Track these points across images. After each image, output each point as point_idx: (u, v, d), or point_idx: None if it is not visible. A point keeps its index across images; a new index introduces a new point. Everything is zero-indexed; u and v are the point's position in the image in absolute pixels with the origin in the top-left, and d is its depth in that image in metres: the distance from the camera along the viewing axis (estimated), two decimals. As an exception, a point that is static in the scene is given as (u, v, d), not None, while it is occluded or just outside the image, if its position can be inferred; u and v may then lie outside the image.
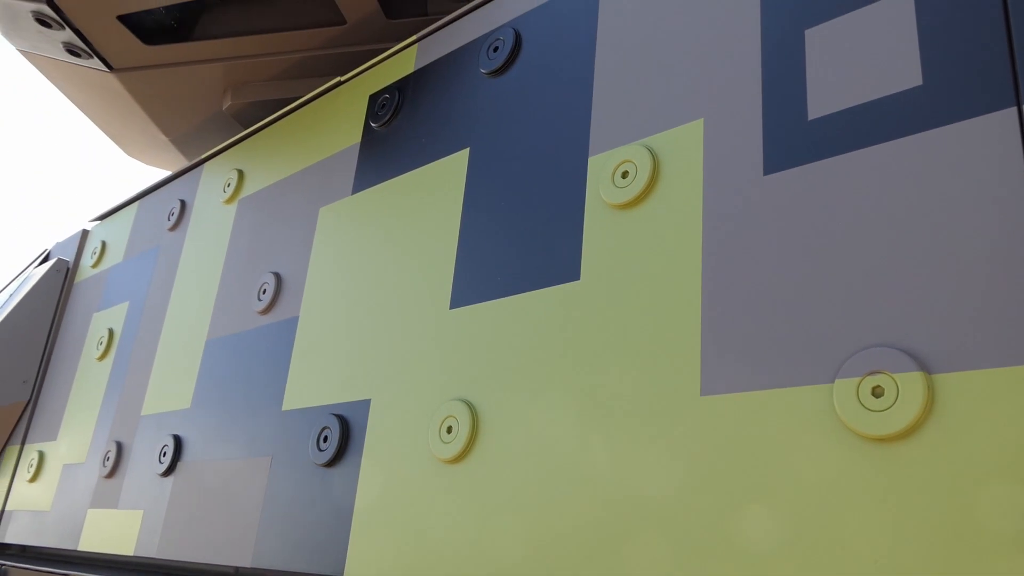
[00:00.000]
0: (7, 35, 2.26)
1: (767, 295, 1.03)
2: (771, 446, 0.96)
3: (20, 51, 2.36)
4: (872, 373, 0.89)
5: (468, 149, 1.58)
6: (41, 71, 2.51)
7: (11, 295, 3.07)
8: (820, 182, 1.03)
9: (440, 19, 2.13)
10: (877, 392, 0.88)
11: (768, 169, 1.09)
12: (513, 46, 1.57)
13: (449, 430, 1.34)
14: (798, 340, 0.98)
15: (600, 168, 1.31)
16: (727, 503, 0.97)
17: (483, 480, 1.26)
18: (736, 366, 1.02)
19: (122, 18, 2.07)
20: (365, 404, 1.54)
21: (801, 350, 0.97)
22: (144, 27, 2.18)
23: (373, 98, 1.90)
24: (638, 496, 1.06)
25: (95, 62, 2.26)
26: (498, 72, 1.60)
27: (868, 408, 0.89)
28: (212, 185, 2.37)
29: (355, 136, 1.90)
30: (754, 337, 1.02)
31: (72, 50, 2.23)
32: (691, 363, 1.07)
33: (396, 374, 1.51)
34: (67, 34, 2.12)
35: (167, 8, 2.12)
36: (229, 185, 2.26)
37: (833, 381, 0.93)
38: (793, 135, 1.08)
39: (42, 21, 2.08)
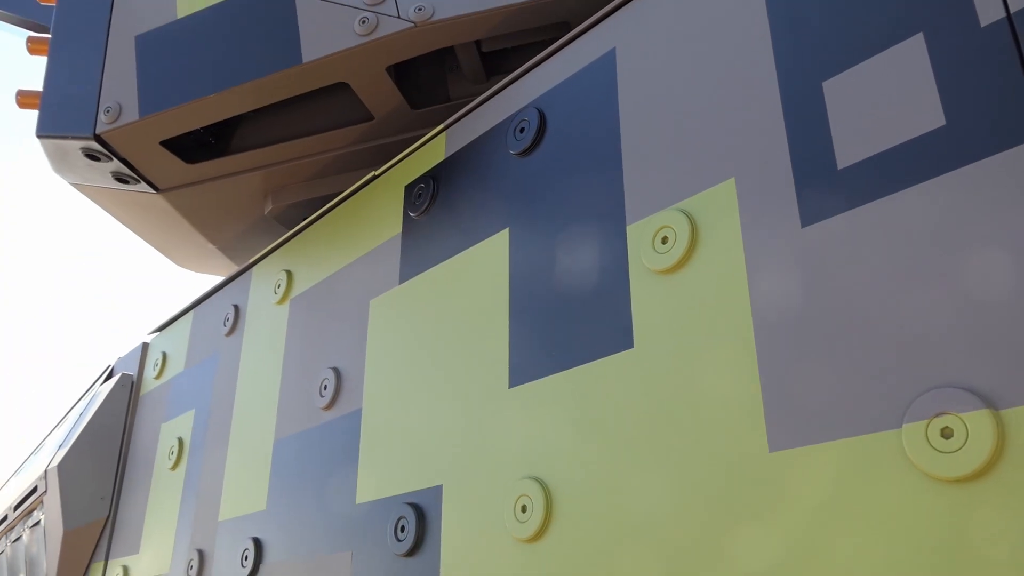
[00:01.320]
0: (59, 171, 2.39)
1: (822, 346, 1.04)
2: (846, 496, 0.96)
3: (71, 184, 2.49)
4: (939, 415, 0.90)
5: (507, 229, 1.63)
6: (91, 199, 2.63)
7: (81, 414, 3.17)
8: (859, 229, 1.05)
9: (463, 103, 2.21)
10: (946, 433, 0.89)
11: (805, 221, 1.12)
12: (538, 126, 1.63)
13: (524, 509, 1.36)
14: (860, 387, 0.99)
15: (639, 236, 1.35)
16: (810, 557, 0.97)
17: (563, 556, 1.27)
18: (801, 420, 1.03)
19: (164, 142, 2.18)
20: (437, 490, 1.57)
21: (865, 397, 0.98)
22: (184, 147, 2.29)
23: (409, 188, 1.97)
24: (717, 557, 1.06)
25: (142, 186, 2.38)
26: (527, 152, 1.65)
27: (939, 450, 0.89)
28: (263, 288, 2.45)
29: (395, 227, 1.97)
30: (815, 389, 1.03)
31: (120, 178, 2.35)
32: (755, 421, 1.08)
33: (463, 457, 1.54)
34: (114, 164, 2.24)
35: (204, 127, 2.23)
36: (279, 286, 2.34)
37: (901, 426, 0.93)
38: (825, 186, 1.11)
39: (91, 155, 2.20)
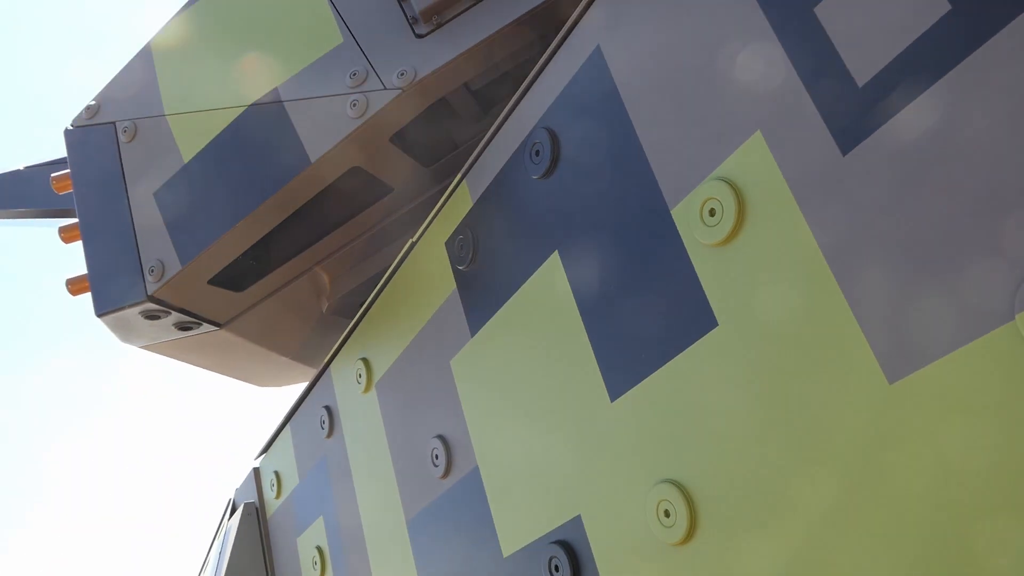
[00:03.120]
0: (126, 340, 2.48)
1: (905, 266, 1.02)
2: (981, 402, 0.93)
3: (141, 348, 2.58)
4: (1050, 294, 0.87)
5: (556, 252, 1.63)
6: (162, 354, 2.72)
7: (219, 553, 3.26)
8: (902, 138, 1.03)
9: (471, 144, 2.23)
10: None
11: (845, 148, 1.09)
12: (552, 144, 1.63)
13: (667, 513, 1.35)
14: (958, 294, 0.96)
15: (685, 216, 1.34)
16: (974, 473, 0.94)
17: (718, 550, 1.25)
18: (910, 344, 1.01)
19: (212, 280, 2.25)
20: (577, 521, 1.57)
21: (966, 301, 0.95)
22: (231, 277, 2.35)
23: (449, 244, 1.99)
24: (878, 512, 1.04)
25: (204, 327, 2.45)
26: (549, 172, 1.65)
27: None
28: (346, 382, 2.49)
29: (449, 284, 1.99)
30: (913, 311, 1.01)
31: (183, 326, 2.42)
32: (866, 360, 1.05)
33: (589, 481, 1.54)
34: (174, 316, 2.31)
35: (243, 254, 2.29)
36: (360, 376, 2.38)
37: (1014, 317, 0.90)
38: (853, 108, 1.09)
39: (151, 316, 2.28)
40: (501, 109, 1.81)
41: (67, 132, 2.40)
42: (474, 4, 1.90)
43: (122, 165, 2.26)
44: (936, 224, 0.99)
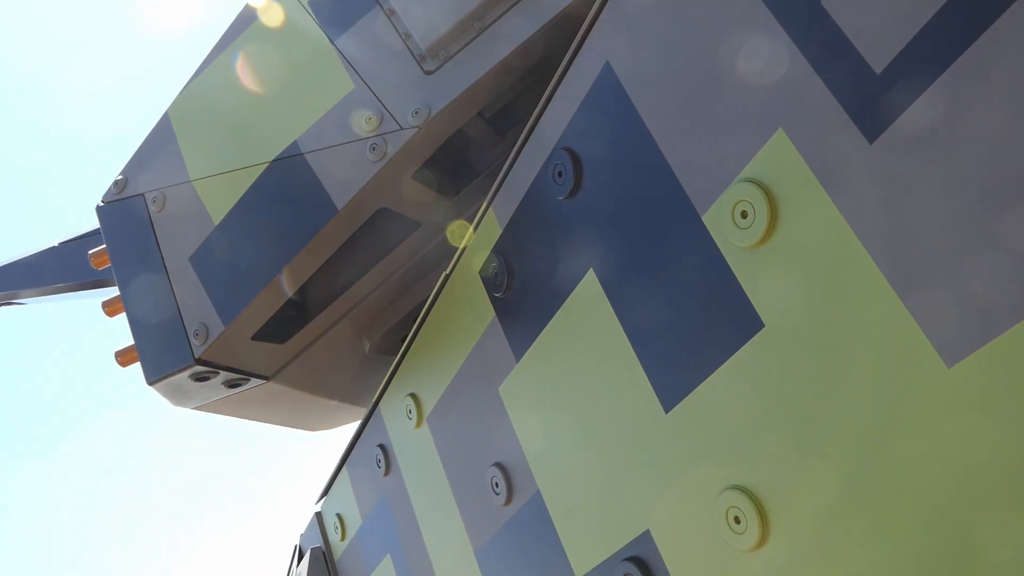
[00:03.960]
0: (178, 404, 2.52)
1: (949, 247, 1.01)
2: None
3: (193, 409, 2.62)
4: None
5: (591, 269, 1.63)
6: (214, 412, 2.76)
7: (293, 601, 3.28)
8: (930, 119, 1.02)
9: (494, 169, 2.24)
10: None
11: (871, 136, 1.09)
12: (573, 164, 1.64)
13: (737, 520, 1.34)
14: (1007, 270, 0.95)
15: (717, 221, 1.33)
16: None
17: (794, 552, 1.24)
18: (964, 326, 1.00)
19: (255, 336, 2.28)
20: (646, 535, 1.56)
21: (1018, 276, 0.94)
22: (273, 330, 2.39)
23: (483, 274, 2.00)
24: (956, 499, 1.02)
25: (252, 382, 2.48)
26: (574, 191, 1.66)
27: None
28: (397, 419, 2.51)
29: (488, 313, 2.00)
30: (963, 291, 1.00)
31: (231, 384, 2.46)
32: (921, 346, 1.04)
33: (654, 494, 1.53)
34: (222, 375, 2.35)
35: (283, 306, 2.32)
36: (411, 412, 2.39)
37: None
38: (874, 95, 1.08)
39: (200, 378, 2.31)
40: (517, 133, 1.83)
41: (99, 209, 2.46)
42: (478, 35, 1.92)
43: (156, 235, 2.30)
44: (976, 202, 0.98)
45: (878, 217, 1.08)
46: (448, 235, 2.35)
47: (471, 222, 2.04)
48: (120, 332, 2.60)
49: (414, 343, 2.37)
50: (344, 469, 2.98)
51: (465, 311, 2.10)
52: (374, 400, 2.64)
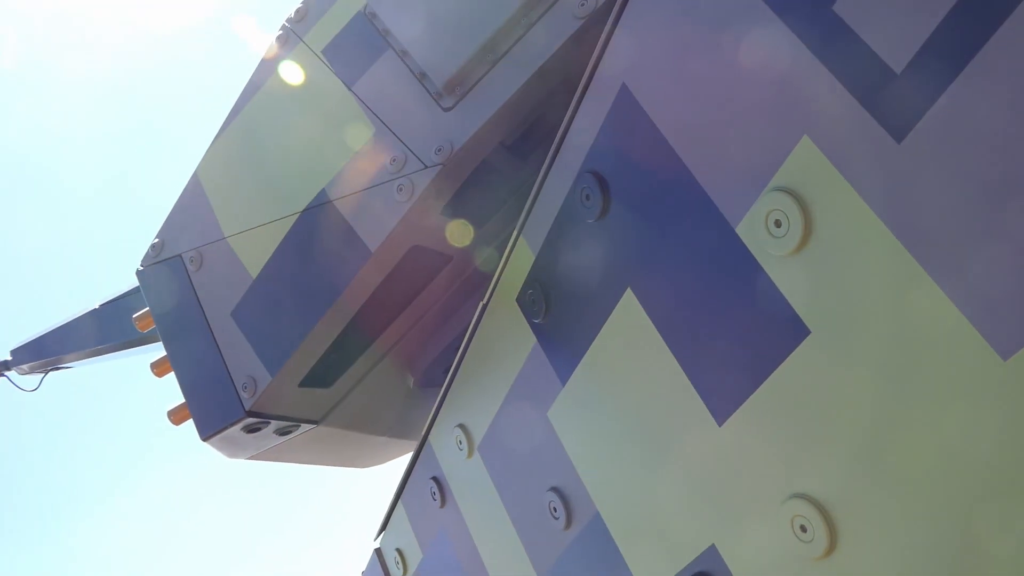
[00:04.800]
0: (233, 456, 2.56)
1: (990, 237, 1.00)
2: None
3: (247, 459, 2.66)
4: None
5: (628, 288, 1.64)
6: (268, 460, 2.80)
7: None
8: (957, 113, 1.02)
9: (520, 195, 2.26)
10: None
11: (898, 136, 1.09)
12: (600, 186, 1.65)
13: (803, 529, 1.33)
14: (1055, 258, 0.94)
15: (751, 232, 1.34)
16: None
17: (870, 556, 1.23)
18: (1017, 317, 0.99)
19: (302, 383, 2.31)
20: (712, 550, 1.56)
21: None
22: (318, 375, 2.42)
23: (520, 301, 2.01)
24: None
25: (303, 427, 2.52)
26: (603, 213, 1.67)
27: None
28: (448, 450, 2.52)
29: (529, 339, 2.01)
30: (1011, 281, 0.99)
31: (282, 431, 2.49)
32: (974, 341, 1.04)
33: (716, 508, 1.52)
34: (273, 424, 2.39)
35: (326, 351, 2.35)
36: (461, 442, 2.40)
37: None
38: (897, 94, 1.08)
39: (252, 429, 2.35)
40: (539, 155, 1.84)
41: (139, 273, 2.51)
42: (492, 67, 1.94)
43: (196, 293, 2.35)
44: (1020, 192, 0.97)
45: (916, 215, 1.08)
46: (481, 264, 2.37)
47: (502, 250, 2.05)
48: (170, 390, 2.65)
49: (458, 374, 2.39)
50: (400, 503, 2.99)
51: (506, 339, 2.11)
52: (423, 433, 2.66)
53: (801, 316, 1.28)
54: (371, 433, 2.89)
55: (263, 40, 2.43)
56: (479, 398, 2.29)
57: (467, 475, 2.43)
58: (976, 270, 1.02)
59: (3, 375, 4.26)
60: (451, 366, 2.40)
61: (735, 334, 1.41)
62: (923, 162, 1.06)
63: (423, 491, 2.76)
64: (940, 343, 1.08)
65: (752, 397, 1.40)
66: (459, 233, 2.21)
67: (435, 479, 2.63)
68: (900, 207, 1.10)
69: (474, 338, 2.26)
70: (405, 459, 2.88)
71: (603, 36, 1.60)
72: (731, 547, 1.51)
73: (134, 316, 2.75)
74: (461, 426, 2.40)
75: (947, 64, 1.02)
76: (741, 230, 1.36)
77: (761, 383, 1.37)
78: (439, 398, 2.49)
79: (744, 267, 1.36)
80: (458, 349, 2.42)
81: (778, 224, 1.27)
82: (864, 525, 1.23)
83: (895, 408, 1.15)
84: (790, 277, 1.28)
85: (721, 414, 1.47)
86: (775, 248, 1.29)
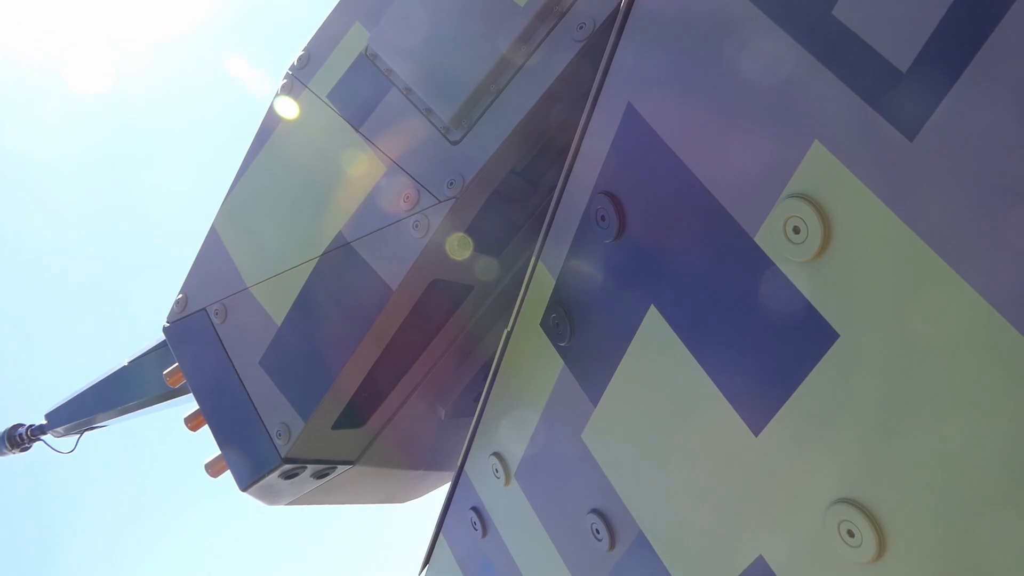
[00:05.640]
0: (272, 503, 2.57)
1: (1017, 229, 1.00)
2: None
3: (286, 505, 2.67)
4: None
5: (652, 306, 1.64)
6: (307, 504, 2.81)
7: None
8: (967, 105, 1.02)
9: (535, 219, 2.27)
10: None
11: (910, 134, 1.09)
12: (614, 206, 1.65)
13: (851, 534, 1.32)
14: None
15: (770, 240, 1.33)
16: None
17: (923, 557, 1.22)
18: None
19: (335, 425, 2.32)
20: (760, 561, 1.54)
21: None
22: (351, 417, 2.43)
23: (544, 325, 2.02)
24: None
25: (339, 468, 2.53)
26: (619, 233, 1.67)
27: None
28: (485, 480, 2.52)
29: (556, 363, 2.01)
30: (1039, 271, 0.98)
31: (320, 475, 2.50)
32: (1008, 332, 1.03)
33: (760, 518, 1.51)
34: (310, 469, 2.40)
35: (355, 392, 2.36)
36: (498, 471, 2.40)
37: None
38: (905, 93, 1.08)
39: (289, 476, 2.36)
40: (551, 181, 1.86)
41: (166, 329, 2.54)
42: (496, 98, 1.96)
43: (223, 345, 2.37)
44: None
45: (935, 211, 1.08)
46: (502, 290, 2.38)
47: (522, 273, 2.06)
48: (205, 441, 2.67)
49: (488, 403, 2.39)
50: (441, 536, 2.99)
51: (533, 365, 2.11)
52: (459, 464, 2.66)
53: (828, 320, 1.27)
54: (407, 468, 2.89)
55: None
56: (512, 425, 2.29)
57: (506, 503, 2.42)
58: (1003, 262, 1.02)
59: (40, 439, 4.30)
60: (480, 395, 2.40)
61: (763, 343, 1.40)
62: (938, 157, 1.06)
63: (463, 522, 2.75)
64: (973, 339, 1.07)
65: (786, 405, 1.39)
66: (476, 262, 2.22)
67: (475, 509, 2.63)
68: (918, 204, 1.10)
69: (501, 365, 2.26)
70: (442, 491, 2.88)
71: (605, 57, 1.62)
72: (779, 556, 1.49)
73: (164, 372, 2.77)
74: (496, 454, 2.40)
75: (953, 59, 1.02)
76: (760, 239, 1.36)
77: (794, 390, 1.37)
78: (472, 428, 2.49)
79: (766, 275, 1.36)
80: (486, 378, 2.42)
81: (796, 230, 1.27)
82: (913, 527, 1.22)
83: (935, 407, 1.14)
84: (813, 282, 1.28)
85: (756, 424, 1.46)
86: (796, 254, 1.28)
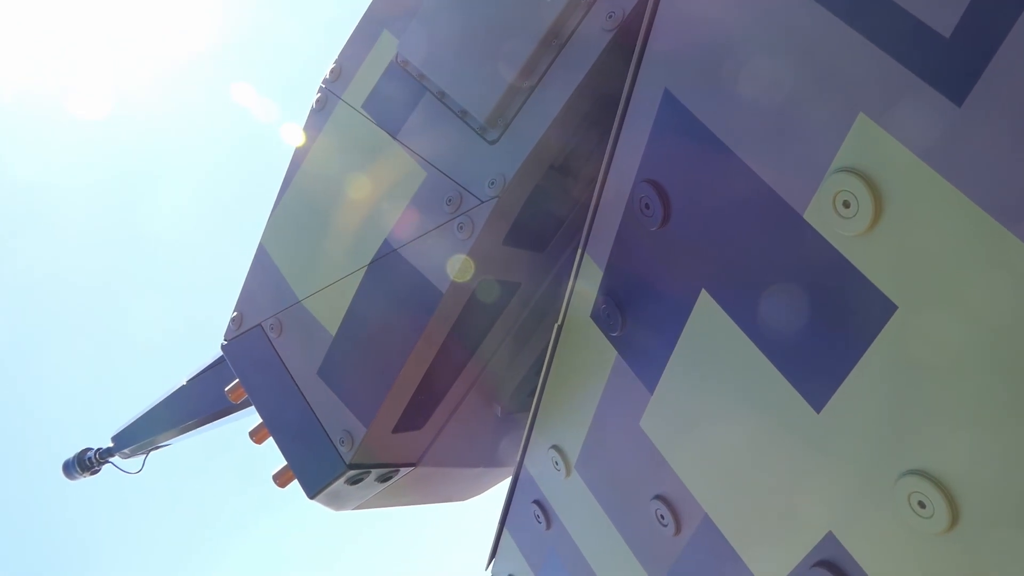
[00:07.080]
0: (339, 509, 2.62)
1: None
2: None
3: (353, 509, 2.72)
4: None
5: (703, 290, 1.64)
6: (373, 508, 2.86)
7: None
8: (1017, 65, 1.01)
9: (577, 214, 2.28)
10: None
11: (958, 100, 1.08)
12: (658, 194, 1.66)
13: (922, 505, 1.31)
14: None
15: (820, 216, 1.33)
16: None
17: (994, 526, 1.21)
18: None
19: (395, 429, 2.36)
20: (830, 537, 1.54)
21: None
22: (410, 419, 2.47)
23: (595, 317, 2.03)
24: None
25: (402, 470, 2.57)
26: (665, 220, 1.68)
27: None
28: (546, 473, 2.54)
29: (610, 353, 2.02)
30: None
31: (383, 478, 2.55)
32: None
33: (827, 495, 1.51)
34: (374, 473, 2.44)
35: (413, 394, 2.39)
36: (558, 463, 2.42)
37: None
38: (949, 59, 1.07)
39: (354, 481, 2.41)
40: (591, 173, 1.86)
41: (224, 347, 2.60)
42: (530, 94, 1.97)
43: (281, 359, 2.42)
44: None
45: (989, 176, 1.07)
46: (550, 283, 2.40)
47: (569, 267, 2.07)
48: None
49: (544, 397, 2.41)
50: (505, 531, 3.02)
51: (586, 356, 2.13)
52: (519, 459, 2.68)
53: (885, 292, 1.26)
54: (467, 466, 2.93)
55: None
56: (568, 417, 2.31)
57: (568, 495, 2.44)
58: (1061, 221, 1.01)
59: (108, 461, 4.43)
60: (535, 390, 2.42)
61: (819, 320, 1.40)
62: (989, 121, 1.05)
63: (527, 516, 2.78)
64: (1036, 299, 1.06)
65: (847, 380, 1.38)
66: (523, 259, 2.24)
67: (537, 502, 2.65)
68: (971, 170, 1.09)
69: (554, 359, 2.28)
70: (503, 487, 2.91)
71: (638, 44, 1.62)
72: (849, 531, 1.49)
73: (226, 389, 2.84)
74: (555, 447, 2.42)
75: (997, 20, 1.01)
76: (810, 216, 1.35)
77: (854, 365, 1.36)
78: (529, 422, 2.52)
79: (818, 252, 1.36)
80: (539, 373, 2.44)
81: (847, 205, 1.27)
82: (985, 496, 1.21)
83: (999, 374, 1.13)
84: (868, 255, 1.27)
85: (818, 401, 1.46)
86: (847, 228, 1.28)
